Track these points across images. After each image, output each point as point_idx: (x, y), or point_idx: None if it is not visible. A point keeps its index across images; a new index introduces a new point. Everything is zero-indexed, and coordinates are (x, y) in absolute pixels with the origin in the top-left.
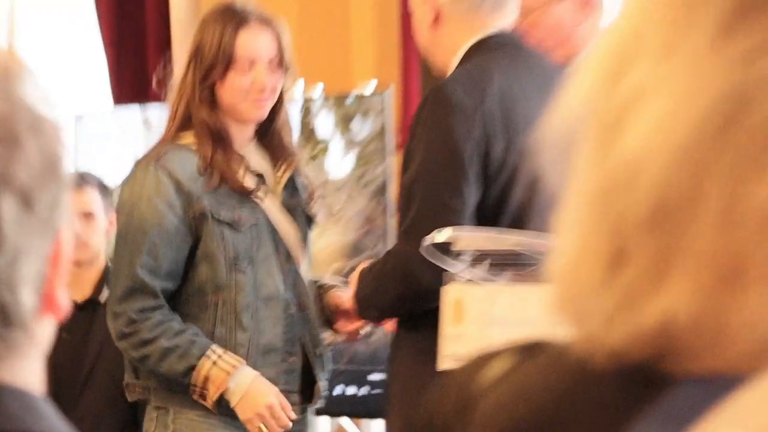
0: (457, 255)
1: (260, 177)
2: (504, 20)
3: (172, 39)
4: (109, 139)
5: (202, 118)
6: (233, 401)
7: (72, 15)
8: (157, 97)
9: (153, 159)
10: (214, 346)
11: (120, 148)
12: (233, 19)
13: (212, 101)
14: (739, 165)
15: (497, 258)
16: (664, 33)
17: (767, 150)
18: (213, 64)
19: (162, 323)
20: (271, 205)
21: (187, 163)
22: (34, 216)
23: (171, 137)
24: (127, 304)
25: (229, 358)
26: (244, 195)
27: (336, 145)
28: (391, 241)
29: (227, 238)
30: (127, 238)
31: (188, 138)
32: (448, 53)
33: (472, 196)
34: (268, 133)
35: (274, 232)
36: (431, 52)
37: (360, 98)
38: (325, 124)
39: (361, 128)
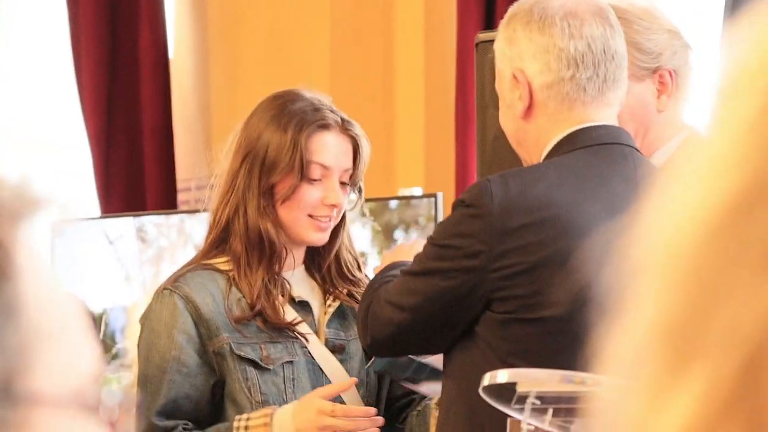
0: (520, 399)
1: (305, 305)
2: (607, 110)
3: (173, 128)
4: (94, 253)
5: (255, 230)
6: None
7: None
8: (156, 207)
9: (170, 283)
10: (243, 414)
11: (108, 264)
12: (306, 117)
13: (273, 213)
14: None
15: (563, 401)
16: None
17: None
18: (281, 170)
19: None
20: (315, 340)
21: (209, 284)
22: None
23: (203, 254)
24: None
25: (258, 414)
26: (281, 328)
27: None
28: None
29: (251, 378)
30: (146, 384)
31: (220, 258)
32: (539, 146)
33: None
34: (321, 259)
35: (317, 371)
36: (520, 143)
37: (406, 203)
38: (361, 236)
39: (407, 241)
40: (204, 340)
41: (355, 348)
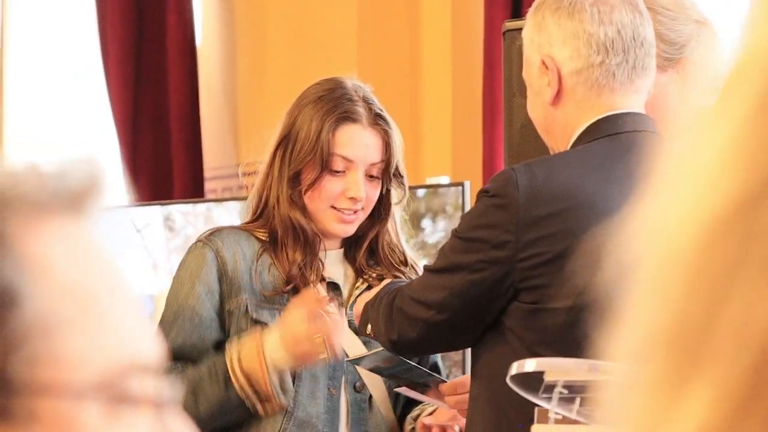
0: (548, 388)
1: (335, 287)
2: (635, 97)
3: (200, 116)
4: (121, 241)
5: (286, 216)
6: (281, 362)
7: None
8: (183, 195)
9: (205, 235)
10: (232, 346)
11: (135, 252)
12: (336, 108)
13: (301, 201)
14: None
15: (591, 390)
16: None
17: None
18: (306, 159)
19: (177, 378)
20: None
21: (243, 243)
22: None
23: (244, 223)
24: None
25: (247, 339)
26: None
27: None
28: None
29: None
30: (159, 327)
31: (260, 229)
32: (567, 133)
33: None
34: (357, 247)
35: None
36: (547, 130)
37: (433, 192)
38: None
39: (434, 229)
40: (224, 296)
41: None
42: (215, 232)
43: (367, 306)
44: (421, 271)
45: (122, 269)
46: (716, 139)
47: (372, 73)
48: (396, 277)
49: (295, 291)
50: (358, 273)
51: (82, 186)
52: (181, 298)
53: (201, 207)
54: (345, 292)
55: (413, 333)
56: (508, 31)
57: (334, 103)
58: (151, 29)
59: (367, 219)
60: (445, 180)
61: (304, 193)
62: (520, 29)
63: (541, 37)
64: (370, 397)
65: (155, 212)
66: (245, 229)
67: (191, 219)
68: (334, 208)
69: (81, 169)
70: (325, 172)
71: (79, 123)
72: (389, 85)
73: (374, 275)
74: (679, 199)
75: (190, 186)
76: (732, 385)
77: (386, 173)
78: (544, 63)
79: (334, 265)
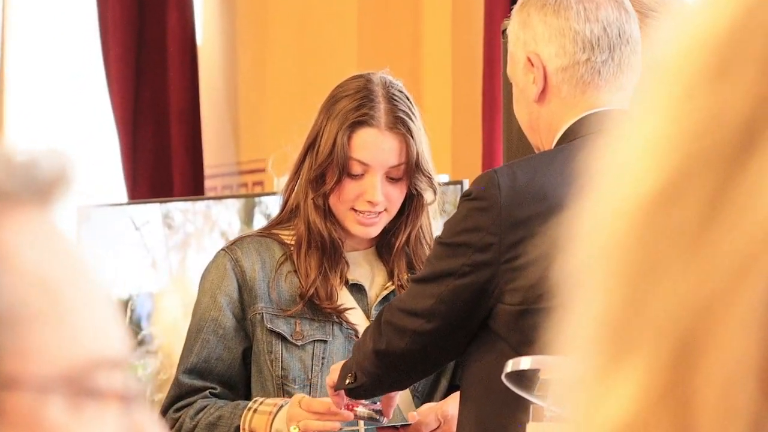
0: (544, 385)
1: (360, 288)
2: (620, 94)
3: (201, 114)
4: (120, 238)
5: (311, 221)
6: None
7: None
8: (183, 193)
9: (228, 244)
10: (260, 398)
11: (134, 250)
12: (355, 111)
13: (325, 204)
14: None
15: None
16: None
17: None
18: (326, 163)
19: (204, 407)
20: (362, 322)
21: (264, 251)
22: None
23: (271, 225)
24: (171, 413)
25: (270, 401)
26: (327, 311)
27: None
28: None
29: (275, 351)
30: (186, 339)
31: (287, 231)
32: (551, 131)
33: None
34: (389, 248)
35: None
36: (534, 129)
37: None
38: None
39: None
40: (245, 305)
41: None
42: (237, 241)
43: (354, 346)
44: None
45: (91, 261)
46: (644, 126)
47: (372, 70)
48: None
49: (311, 300)
50: (390, 274)
51: (51, 177)
52: (204, 310)
53: (200, 205)
54: (372, 293)
55: (402, 344)
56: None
57: (354, 105)
58: (152, 27)
59: (396, 220)
60: (444, 178)
61: (329, 196)
62: None
63: (526, 34)
64: None
65: (154, 210)
66: (270, 234)
67: (190, 217)
68: (355, 210)
69: (50, 160)
70: (345, 176)
71: (79, 120)
72: None
73: (406, 277)
74: (609, 191)
75: (190, 184)
76: (657, 371)
77: (409, 175)
78: (529, 60)
79: (360, 266)
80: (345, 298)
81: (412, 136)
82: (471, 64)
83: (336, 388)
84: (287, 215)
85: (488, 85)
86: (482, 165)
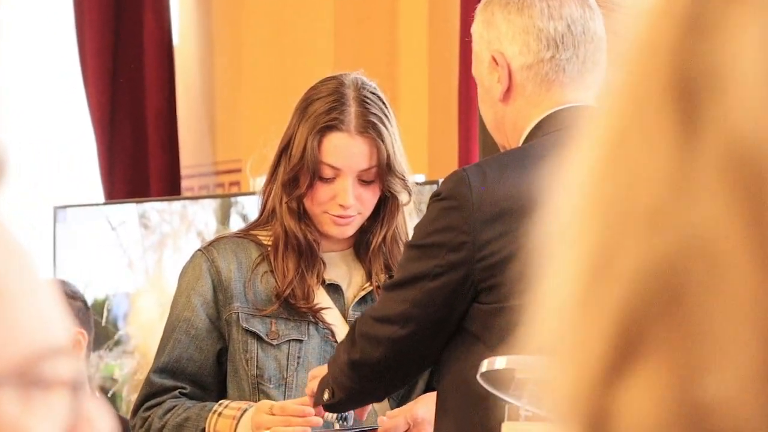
0: (519, 385)
1: (336, 288)
2: (585, 92)
3: (177, 114)
4: (96, 238)
5: (286, 224)
6: None
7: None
8: (160, 193)
9: (205, 245)
10: (226, 401)
11: (110, 250)
12: (325, 115)
13: (299, 207)
14: None
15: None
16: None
17: None
18: (298, 166)
19: (172, 407)
20: (342, 324)
21: (240, 252)
22: None
23: (249, 227)
24: (141, 412)
25: (235, 404)
26: (303, 311)
27: None
28: None
29: (251, 351)
30: (161, 338)
31: (264, 231)
32: (517, 130)
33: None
34: (366, 247)
35: (331, 353)
36: (499, 128)
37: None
38: None
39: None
40: (220, 306)
41: None
42: (214, 242)
43: (330, 360)
44: None
45: (28, 250)
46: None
47: (348, 70)
48: None
49: (287, 300)
50: (369, 275)
51: None
52: (178, 310)
53: (176, 205)
54: (349, 293)
55: (376, 353)
56: None
57: (325, 108)
58: (128, 27)
59: (372, 220)
60: (420, 178)
61: (303, 198)
62: None
63: (490, 33)
64: None
65: (131, 210)
66: (248, 235)
67: (167, 217)
68: (327, 213)
69: None
70: (316, 180)
71: (56, 121)
72: None
73: (383, 277)
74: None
75: (167, 184)
76: (607, 352)
77: (381, 177)
78: (494, 59)
79: (337, 266)
80: (321, 298)
81: (382, 140)
82: (447, 64)
83: (314, 403)
84: (266, 217)
85: (464, 86)
86: (458, 165)
